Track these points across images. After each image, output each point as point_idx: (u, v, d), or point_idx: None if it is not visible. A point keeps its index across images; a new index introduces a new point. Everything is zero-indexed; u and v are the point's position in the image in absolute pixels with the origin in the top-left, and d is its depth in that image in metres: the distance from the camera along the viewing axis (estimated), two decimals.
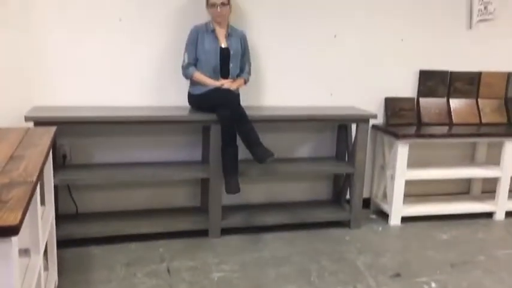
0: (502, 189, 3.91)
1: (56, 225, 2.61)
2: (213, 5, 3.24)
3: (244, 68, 3.44)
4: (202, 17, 3.35)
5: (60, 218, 3.11)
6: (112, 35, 3.32)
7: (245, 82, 3.45)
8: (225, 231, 3.41)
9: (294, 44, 3.67)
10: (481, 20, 4.02)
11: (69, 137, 3.32)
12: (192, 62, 3.30)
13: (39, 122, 2.88)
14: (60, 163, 3.29)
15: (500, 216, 3.96)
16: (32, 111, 3.04)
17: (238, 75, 3.41)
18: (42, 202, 2.42)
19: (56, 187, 2.90)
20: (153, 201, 3.61)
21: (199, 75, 3.28)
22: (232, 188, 3.15)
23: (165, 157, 3.55)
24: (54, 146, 3.10)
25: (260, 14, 3.56)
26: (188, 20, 3.36)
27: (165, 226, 3.32)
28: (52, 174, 2.53)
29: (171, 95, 3.49)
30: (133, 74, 3.41)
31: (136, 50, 3.38)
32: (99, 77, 3.35)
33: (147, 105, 3.45)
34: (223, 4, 3.24)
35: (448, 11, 3.94)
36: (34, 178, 1.70)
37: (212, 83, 3.27)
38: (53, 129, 2.51)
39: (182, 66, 3.32)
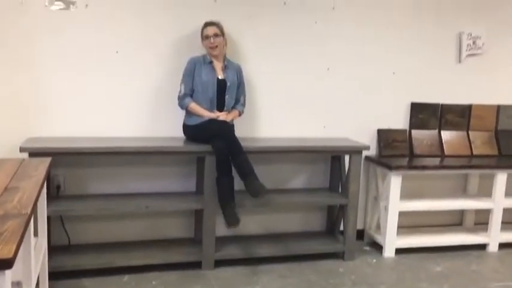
0: (495, 221, 3.93)
1: (47, 256, 2.59)
2: (207, 37, 3.31)
3: (239, 100, 3.49)
4: (198, 50, 3.42)
5: (52, 249, 3.08)
6: (108, 67, 3.37)
7: (240, 114, 3.50)
8: (219, 263, 3.39)
9: (288, 77, 3.74)
10: (470, 55, 4.12)
11: (64, 167, 3.32)
12: (189, 92, 3.34)
13: (34, 153, 2.89)
14: (54, 194, 3.28)
15: (493, 248, 3.96)
16: (27, 142, 3.06)
17: (233, 107, 3.45)
18: (35, 233, 2.40)
19: (48, 218, 2.88)
20: (147, 233, 3.59)
21: (195, 106, 3.32)
22: (232, 220, 3.13)
23: (159, 188, 3.55)
24: (48, 176, 3.09)
25: (255, 47, 3.64)
26: (183, 53, 3.42)
27: (158, 258, 3.29)
28: (46, 205, 2.53)
29: (166, 126, 3.52)
30: (129, 104, 3.45)
31: (132, 81, 3.43)
32: (95, 108, 3.38)
33: (142, 136, 3.47)
34: (216, 35, 3.31)
35: (438, 46, 4.04)
36: (29, 210, 1.71)
37: (207, 114, 3.30)
38: (48, 160, 2.53)
39: (178, 97, 3.36)
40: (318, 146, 3.54)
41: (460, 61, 4.11)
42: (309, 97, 3.81)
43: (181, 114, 3.45)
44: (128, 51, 3.39)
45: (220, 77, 3.36)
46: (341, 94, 3.88)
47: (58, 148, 3.00)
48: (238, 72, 3.46)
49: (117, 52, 3.37)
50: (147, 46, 3.42)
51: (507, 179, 3.91)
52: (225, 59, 3.41)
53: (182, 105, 3.36)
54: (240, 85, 3.48)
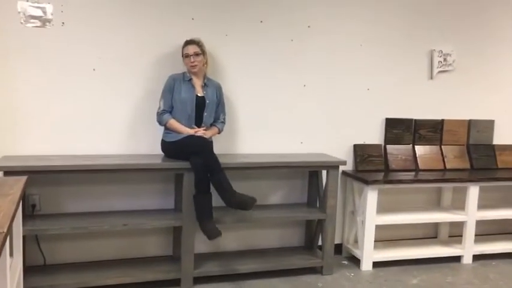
0: (468, 233, 4.02)
1: (23, 276, 2.54)
2: (187, 56, 3.34)
3: (219, 118, 3.52)
4: (176, 67, 3.44)
5: (28, 269, 3.03)
6: (86, 84, 3.36)
7: (219, 132, 3.52)
8: (198, 280, 3.37)
9: (265, 93, 3.79)
10: (441, 71, 4.25)
11: (39, 186, 3.28)
12: (167, 109, 3.35)
13: (10, 171, 2.85)
14: (29, 213, 3.23)
15: (467, 259, 4.05)
16: (2, 161, 3.02)
17: (212, 124, 3.48)
18: (11, 253, 2.36)
19: (24, 237, 2.83)
20: (124, 251, 3.55)
21: (173, 123, 3.33)
22: (213, 232, 3.13)
23: (137, 205, 3.53)
24: (23, 195, 3.04)
25: (233, 65, 3.68)
26: (161, 70, 3.44)
27: (135, 276, 3.26)
28: (21, 224, 2.49)
29: (143, 143, 3.51)
30: (106, 122, 3.43)
31: (110, 99, 3.42)
32: (72, 126, 3.36)
33: (119, 154, 3.46)
34: (196, 54, 3.34)
35: (411, 63, 4.16)
36: (5, 229, 1.69)
37: (186, 130, 3.32)
38: (24, 178, 2.49)
39: (157, 113, 3.37)
40: (296, 161, 3.58)
41: (431, 77, 4.24)
42: (286, 113, 3.87)
43: (159, 131, 3.45)
44: (105, 68, 3.39)
45: (199, 95, 3.38)
46: (317, 110, 3.95)
47: (34, 166, 2.96)
48: (218, 90, 3.49)
49: (94, 70, 3.37)
50: (125, 64, 3.43)
51: (479, 191, 4.01)
52: (205, 77, 3.44)
53: (161, 121, 3.37)
54: (220, 103, 3.51)
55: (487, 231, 4.47)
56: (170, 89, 3.35)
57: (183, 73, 3.40)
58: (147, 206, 3.56)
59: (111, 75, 3.41)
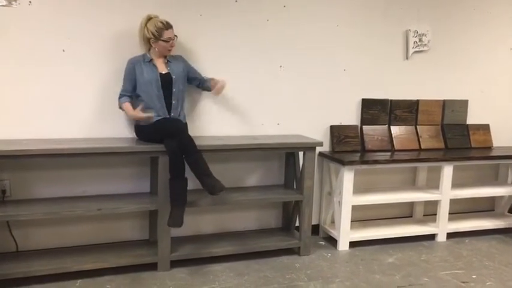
0: (442, 212, 4.09)
1: None
2: (168, 40, 3.25)
3: (202, 78, 3.52)
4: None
5: (0, 256, 2.96)
6: (54, 66, 3.26)
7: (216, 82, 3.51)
8: (175, 264, 3.35)
9: (241, 75, 3.74)
10: (416, 52, 4.26)
11: (9, 171, 3.19)
12: (125, 93, 3.30)
13: None
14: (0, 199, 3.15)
15: (441, 237, 4.12)
16: None
17: (203, 86, 3.52)
18: None
19: None
20: (100, 236, 3.50)
21: (126, 106, 3.28)
22: (175, 221, 3.11)
23: (111, 190, 3.48)
24: None
25: (207, 46, 3.61)
26: (132, 51, 3.34)
27: (111, 261, 3.22)
28: None
29: (117, 126, 3.44)
30: (77, 105, 3.35)
31: (81, 81, 3.33)
32: (42, 109, 3.27)
33: (93, 137, 3.39)
34: (174, 37, 3.28)
35: (386, 43, 4.16)
36: None
37: (133, 113, 3.23)
38: None
39: (118, 98, 3.33)
40: (272, 143, 3.56)
41: (407, 58, 4.25)
42: (262, 95, 3.83)
43: None
44: (75, 50, 3.29)
45: (163, 72, 3.31)
46: (294, 91, 3.92)
47: (2, 151, 2.87)
48: (182, 62, 3.44)
49: (63, 51, 3.27)
50: (95, 44, 3.33)
51: (453, 171, 4.07)
52: (166, 55, 3.37)
53: (119, 105, 3.32)
54: (191, 70, 3.48)
55: (460, 209, 4.56)
56: (129, 73, 3.27)
57: (143, 55, 3.32)
58: (122, 190, 3.51)
59: (81, 56, 3.31)
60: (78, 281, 3.10)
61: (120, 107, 3.32)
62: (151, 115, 3.24)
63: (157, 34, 3.24)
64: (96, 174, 3.44)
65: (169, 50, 3.31)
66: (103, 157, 3.31)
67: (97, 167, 3.44)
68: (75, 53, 3.29)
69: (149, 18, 3.26)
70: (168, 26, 3.25)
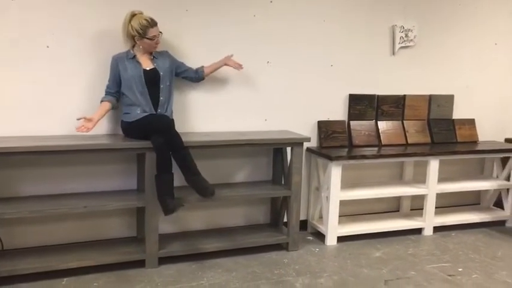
0: (429, 206, 4.13)
1: None
2: (153, 38, 3.22)
3: (192, 70, 3.50)
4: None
5: None
6: (38, 62, 3.22)
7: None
8: (163, 261, 3.34)
9: (228, 71, 3.72)
10: (402, 47, 4.28)
11: None
12: (107, 89, 3.28)
13: None
14: None
15: (428, 231, 4.16)
16: None
17: (194, 78, 3.50)
18: None
19: None
20: (87, 234, 3.48)
21: (100, 106, 3.26)
22: (170, 207, 3.09)
23: (97, 187, 3.45)
24: None
25: (193, 41, 3.59)
26: (117, 47, 3.31)
27: (98, 259, 3.20)
28: None
29: (102, 123, 3.40)
30: (62, 101, 3.31)
31: (65, 77, 3.30)
32: (26, 106, 3.22)
33: (77, 134, 3.34)
34: (160, 34, 3.26)
35: (373, 38, 4.17)
36: None
37: (97, 114, 3.20)
38: None
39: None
40: (260, 139, 3.55)
41: (393, 53, 4.26)
42: (249, 90, 3.82)
43: (118, 110, 3.35)
44: (59, 45, 3.25)
45: (148, 68, 3.28)
46: (281, 87, 3.92)
47: None
48: (168, 57, 3.41)
49: (47, 47, 3.22)
50: (80, 41, 3.29)
51: (439, 165, 4.11)
52: (152, 51, 3.34)
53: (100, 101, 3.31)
54: (179, 65, 3.46)
55: (446, 203, 4.60)
56: (113, 70, 3.25)
57: (127, 52, 3.28)
58: (109, 187, 3.48)
59: (66, 52, 3.27)
60: (65, 279, 3.08)
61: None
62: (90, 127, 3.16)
63: (142, 32, 3.19)
64: (82, 172, 3.41)
65: (155, 47, 3.28)
66: (89, 154, 3.26)
67: (83, 164, 3.40)
68: (60, 49, 3.25)
69: (133, 15, 3.21)
70: (153, 23, 3.20)
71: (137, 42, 3.23)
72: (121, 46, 3.31)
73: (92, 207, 3.14)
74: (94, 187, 3.44)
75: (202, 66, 3.53)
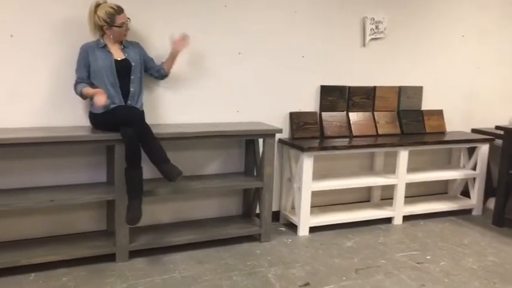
0: (399, 196, 4.20)
1: None
2: (122, 25, 3.15)
3: (157, 68, 3.42)
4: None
5: None
6: (2, 52, 3.10)
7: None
8: (134, 254, 3.30)
9: (199, 62, 3.68)
10: (373, 39, 4.31)
11: None
12: (80, 80, 3.17)
13: None
14: None
15: (398, 220, 4.23)
16: None
17: (156, 75, 3.43)
18: None
19: None
20: (55, 228, 3.40)
21: (86, 90, 3.14)
22: (134, 216, 3.04)
23: (65, 180, 3.37)
24: None
25: (164, 32, 3.53)
26: (84, 36, 3.22)
27: (67, 253, 3.13)
28: None
29: (69, 115, 3.32)
30: (28, 92, 3.21)
31: (31, 68, 3.19)
32: None
33: (44, 126, 3.26)
34: (128, 20, 3.19)
35: (344, 30, 4.19)
36: None
37: (94, 91, 3.08)
38: None
39: (74, 84, 3.20)
40: (232, 130, 3.54)
41: (364, 45, 4.30)
42: (221, 82, 3.79)
43: (86, 101, 3.27)
44: (24, 34, 3.14)
45: (119, 59, 3.21)
46: (253, 78, 3.90)
47: None
48: (139, 49, 3.35)
49: (11, 36, 3.11)
50: (45, 29, 3.19)
51: (409, 155, 4.18)
52: (122, 40, 3.27)
53: (77, 92, 3.18)
54: (147, 59, 3.39)
55: (415, 193, 4.69)
56: (83, 59, 3.14)
57: (96, 41, 3.20)
58: (77, 180, 3.41)
59: (31, 42, 3.17)
60: (32, 274, 3.01)
61: (78, 93, 3.17)
62: (108, 103, 3.13)
63: (109, 20, 3.12)
64: (50, 164, 3.33)
65: (125, 35, 3.21)
66: (56, 146, 3.19)
67: (50, 157, 3.32)
68: (24, 39, 3.15)
69: (98, 5, 3.13)
70: (119, 10, 3.14)
71: (106, 32, 3.16)
72: (87, 35, 3.22)
73: (59, 200, 3.07)
74: (62, 180, 3.36)
75: (162, 63, 3.44)
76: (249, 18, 3.80)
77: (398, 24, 4.40)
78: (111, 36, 3.17)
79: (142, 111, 3.30)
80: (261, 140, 3.73)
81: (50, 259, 3.07)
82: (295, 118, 4.07)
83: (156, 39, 3.51)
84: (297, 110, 4.11)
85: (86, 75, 3.18)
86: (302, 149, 3.75)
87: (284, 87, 4.03)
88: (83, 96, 3.17)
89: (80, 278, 2.99)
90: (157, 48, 3.50)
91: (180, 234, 3.51)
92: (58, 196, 3.10)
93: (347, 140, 4.13)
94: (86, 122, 3.33)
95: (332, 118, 4.22)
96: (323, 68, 4.16)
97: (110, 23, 3.12)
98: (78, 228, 3.47)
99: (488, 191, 4.68)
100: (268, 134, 3.62)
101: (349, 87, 4.28)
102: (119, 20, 3.13)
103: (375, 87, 4.39)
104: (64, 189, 3.25)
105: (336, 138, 4.16)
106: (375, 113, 4.41)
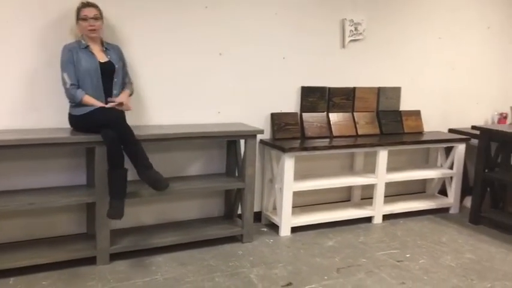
0: (378, 195, 4.25)
1: None
2: (84, 19, 3.11)
3: (124, 81, 3.35)
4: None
5: None
6: None
7: (131, 93, 3.37)
8: (115, 257, 3.27)
9: (180, 63, 3.67)
10: (352, 40, 4.37)
11: None
12: (76, 82, 3.10)
13: None
14: None
15: (378, 220, 4.29)
16: None
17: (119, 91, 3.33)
18: None
19: None
20: (34, 231, 3.34)
21: (88, 99, 3.10)
22: (116, 212, 3.02)
23: (44, 183, 3.32)
24: None
25: (143, 33, 3.51)
26: (63, 36, 3.19)
27: (47, 257, 3.09)
28: None
29: (48, 116, 3.28)
30: (5, 94, 3.15)
31: (7, 68, 3.14)
32: None
33: (23, 128, 3.21)
34: (95, 18, 3.13)
35: (324, 32, 4.23)
36: None
37: (101, 105, 3.11)
38: None
39: (66, 89, 3.11)
40: (213, 131, 3.54)
41: (343, 46, 4.34)
42: (202, 83, 3.79)
43: (64, 102, 3.22)
44: (2, 35, 3.08)
45: (102, 61, 3.18)
46: (234, 79, 3.91)
47: None
48: (119, 53, 3.32)
49: None
50: (23, 27, 3.14)
51: (388, 155, 4.24)
52: (103, 42, 3.24)
53: (73, 97, 3.10)
54: (124, 65, 3.35)
55: (394, 192, 4.76)
56: (71, 60, 3.09)
57: (77, 41, 3.16)
58: (56, 183, 3.36)
59: (5, 39, 3.11)
60: (12, 278, 2.96)
61: (76, 100, 3.09)
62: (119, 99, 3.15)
63: (76, 14, 3.13)
64: (29, 167, 3.27)
65: (90, 31, 3.12)
66: (35, 149, 3.13)
67: (29, 160, 3.27)
68: (3, 39, 3.09)
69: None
70: (86, 4, 3.13)
71: (78, 28, 3.14)
72: (65, 36, 3.18)
73: (39, 204, 3.02)
74: (41, 183, 3.31)
75: (125, 85, 3.35)
76: (230, 19, 3.81)
77: (377, 26, 4.46)
78: (78, 31, 3.15)
79: (123, 112, 3.27)
80: (242, 141, 3.74)
81: (29, 263, 3.02)
82: (276, 119, 4.10)
83: (135, 40, 3.49)
84: (278, 111, 4.13)
85: (75, 77, 3.10)
86: (283, 150, 3.77)
87: (265, 89, 4.05)
88: (82, 104, 3.10)
89: (60, 282, 2.95)
90: (136, 50, 3.49)
91: (161, 236, 3.49)
92: (38, 199, 3.06)
93: (327, 140, 4.17)
94: (65, 123, 3.28)
95: (313, 119, 4.26)
96: (303, 69, 4.19)
97: (77, 16, 3.13)
98: (58, 232, 3.42)
99: (465, 190, 4.78)
100: (250, 135, 3.63)
101: (329, 88, 4.32)
102: (82, 13, 3.11)
103: (354, 88, 4.44)
104: (43, 192, 3.20)
105: (317, 138, 4.20)
106: (355, 113, 4.46)
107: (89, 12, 3.11)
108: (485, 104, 5.21)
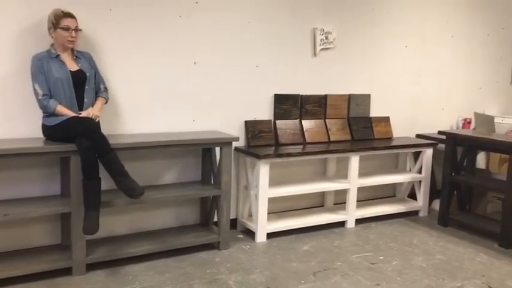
0: (351, 200, 4.35)
1: None
2: (67, 29, 3.09)
3: (99, 88, 3.34)
4: (48, 40, 3.18)
5: None
6: None
7: (106, 101, 3.36)
8: (91, 267, 3.24)
9: (155, 72, 3.69)
10: (323, 49, 4.47)
11: None
12: (48, 93, 3.08)
13: None
14: None
15: (351, 224, 4.38)
16: None
17: (95, 96, 3.32)
18: None
19: None
20: (8, 243, 3.28)
21: (61, 109, 3.08)
22: (91, 225, 3.01)
23: (18, 193, 3.27)
24: None
25: (117, 42, 3.51)
26: (34, 45, 3.16)
27: (23, 268, 3.03)
28: None
29: (20, 126, 3.23)
30: None
31: None
32: None
33: None
34: (76, 30, 3.13)
35: (296, 40, 4.32)
36: None
37: (75, 114, 3.10)
38: None
39: (39, 99, 3.08)
40: (188, 139, 3.56)
41: (315, 55, 4.45)
42: (177, 91, 3.81)
43: (37, 111, 3.18)
44: None
45: (73, 70, 3.17)
46: (209, 88, 3.94)
47: None
48: (91, 60, 3.31)
49: None
50: None
51: (359, 161, 4.35)
52: (73, 50, 3.22)
53: (46, 108, 3.08)
54: (96, 72, 3.34)
55: (366, 196, 4.87)
56: (41, 70, 3.06)
57: (47, 51, 3.13)
58: (30, 193, 3.31)
59: None
60: None
61: (50, 110, 3.07)
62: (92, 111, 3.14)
63: (55, 22, 3.08)
64: (2, 178, 3.22)
65: (70, 42, 3.12)
66: (8, 159, 3.08)
67: (2, 170, 3.21)
68: None
69: (54, 10, 3.11)
70: (67, 14, 3.11)
71: (52, 35, 3.11)
72: (40, 44, 3.15)
73: (14, 215, 2.97)
74: (14, 194, 3.25)
75: (100, 93, 3.34)
76: (203, 28, 3.85)
77: (347, 35, 4.59)
78: (55, 39, 3.11)
79: (98, 121, 3.25)
80: (217, 149, 3.77)
81: (4, 275, 2.96)
82: (251, 126, 4.15)
83: (109, 49, 3.49)
84: (252, 119, 4.18)
85: (47, 87, 3.08)
86: (258, 157, 3.82)
87: (239, 96, 4.10)
88: (55, 114, 3.08)
89: None
90: (111, 59, 3.49)
91: (138, 245, 3.48)
92: (12, 210, 3.00)
93: (301, 146, 4.25)
94: (38, 133, 3.24)
95: (286, 126, 4.33)
96: (276, 77, 4.26)
97: (55, 24, 3.08)
98: (32, 243, 3.36)
99: (433, 193, 4.94)
100: (225, 143, 3.67)
101: (302, 95, 4.40)
102: (64, 23, 3.08)
103: (326, 96, 4.54)
104: (16, 203, 3.14)
105: (290, 145, 4.27)
106: (327, 120, 4.56)
107: (71, 23, 3.10)
108: (450, 109, 5.41)
